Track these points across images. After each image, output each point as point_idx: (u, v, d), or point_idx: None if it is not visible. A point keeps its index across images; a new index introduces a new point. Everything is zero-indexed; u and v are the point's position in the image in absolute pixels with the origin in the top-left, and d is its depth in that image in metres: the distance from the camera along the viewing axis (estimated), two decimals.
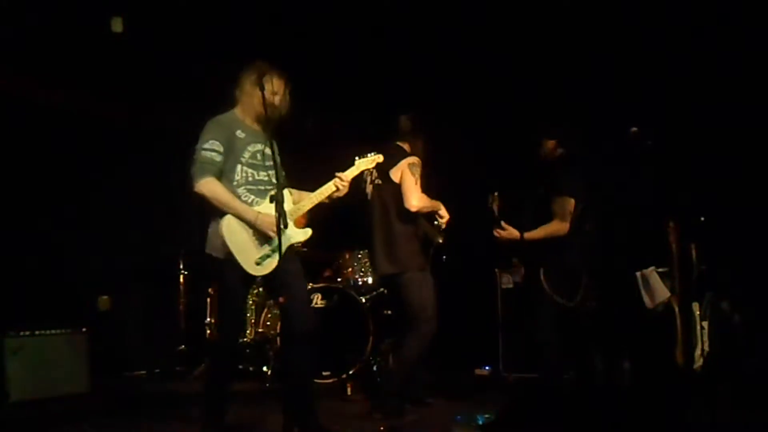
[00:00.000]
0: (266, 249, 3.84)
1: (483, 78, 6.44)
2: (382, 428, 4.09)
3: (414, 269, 4.64)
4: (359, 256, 6.43)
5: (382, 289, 6.41)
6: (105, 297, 6.57)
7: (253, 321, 6.46)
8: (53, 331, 5.38)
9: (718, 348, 5.33)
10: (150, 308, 6.90)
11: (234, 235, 3.76)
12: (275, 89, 3.94)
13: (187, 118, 4.35)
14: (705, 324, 5.38)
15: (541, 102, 6.12)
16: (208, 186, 3.74)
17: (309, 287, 6.08)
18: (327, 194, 4.06)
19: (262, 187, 3.91)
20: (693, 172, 5.39)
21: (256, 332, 6.38)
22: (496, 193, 4.69)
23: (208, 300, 6.75)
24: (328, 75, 6.55)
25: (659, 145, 4.72)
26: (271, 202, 3.61)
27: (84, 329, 5.55)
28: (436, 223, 4.76)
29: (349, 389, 5.45)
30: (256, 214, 3.79)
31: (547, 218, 4.65)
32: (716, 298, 5.47)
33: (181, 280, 6.73)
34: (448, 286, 6.58)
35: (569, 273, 4.63)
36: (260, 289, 6.58)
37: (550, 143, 4.81)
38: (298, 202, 4.08)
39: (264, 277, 3.89)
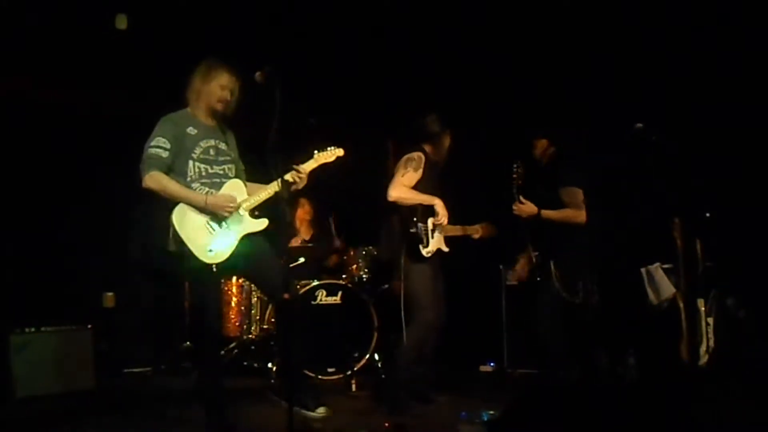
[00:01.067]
0: (219, 237, 3.86)
1: (484, 78, 6.42)
2: (387, 424, 4.09)
3: (410, 259, 4.69)
4: (364, 252, 6.43)
5: (386, 285, 6.42)
6: (110, 294, 6.57)
7: (257, 318, 6.47)
8: (58, 328, 5.39)
9: (724, 344, 5.32)
10: (155, 305, 6.90)
11: (184, 225, 3.79)
12: (225, 84, 3.98)
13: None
14: (710, 320, 5.37)
15: (544, 101, 6.10)
16: (154, 179, 3.79)
17: (313, 284, 6.10)
18: (283, 187, 4.04)
19: (217, 180, 3.96)
20: (698, 168, 5.37)
21: (261, 329, 6.40)
22: (519, 162, 4.70)
23: None
24: (331, 73, 6.55)
25: (664, 141, 4.72)
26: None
27: (89, 326, 5.56)
28: (415, 219, 4.74)
29: (354, 385, 5.45)
30: (204, 196, 3.83)
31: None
32: (721, 294, 5.46)
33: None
34: (453, 283, 6.58)
35: (576, 268, 4.66)
36: None
37: (542, 142, 4.86)
38: (253, 193, 4.08)
39: (225, 265, 3.89)
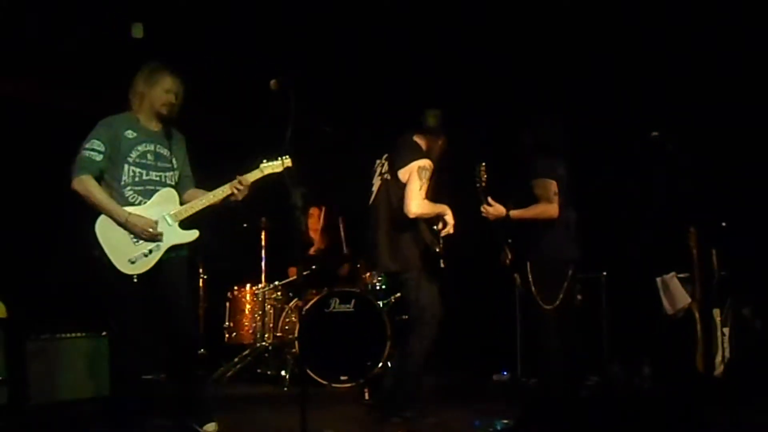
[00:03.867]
0: (143, 248, 3.83)
1: (484, 79, 6.42)
2: None
3: (415, 270, 4.59)
4: None
5: (399, 294, 6.41)
6: None
7: (271, 325, 6.49)
8: (74, 335, 5.42)
9: (739, 354, 5.28)
10: None
11: (108, 232, 3.78)
12: (169, 87, 3.94)
13: (205, 122, 4.37)
14: (726, 330, 5.33)
15: (561, 107, 6.10)
16: (82, 183, 3.78)
17: (326, 292, 6.10)
18: (222, 196, 4.01)
19: (151, 187, 3.92)
20: (714, 178, 5.34)
21: (275, 336, 6.41)
22: (483, 164, 4.57)
23: (227, 304, 6.78)
24: (345, 81, 6.57)
25: (679, 149, 4.69)
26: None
27: (104, 333, 5.58)
28: (435, 227, 4.66)
29: (366, 394, 5.44)
30: (126, 214, 3.78)
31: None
32: (737, 304, 5.42)
33: (201, 284, 6.75)
34: (467, 292, 6.58)
35: (552, 269, 4.54)
36: (279, 294, 6.62)
37: (526, 132, 4.76)
38: (193, 200, 4.02)
39: (144, 278, 3.83)
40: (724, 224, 5.25)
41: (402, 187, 4.55)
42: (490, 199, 4.56)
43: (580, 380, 4.68)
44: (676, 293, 5.39)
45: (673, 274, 5.45)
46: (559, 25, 5.70)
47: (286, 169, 3.92)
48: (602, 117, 5.88)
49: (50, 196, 6.16)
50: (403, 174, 4.57)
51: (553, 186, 4.51)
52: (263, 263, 6.65)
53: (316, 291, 6.24)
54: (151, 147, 3.94)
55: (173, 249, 3.92)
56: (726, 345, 5.25)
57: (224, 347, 6.65)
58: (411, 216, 4.49)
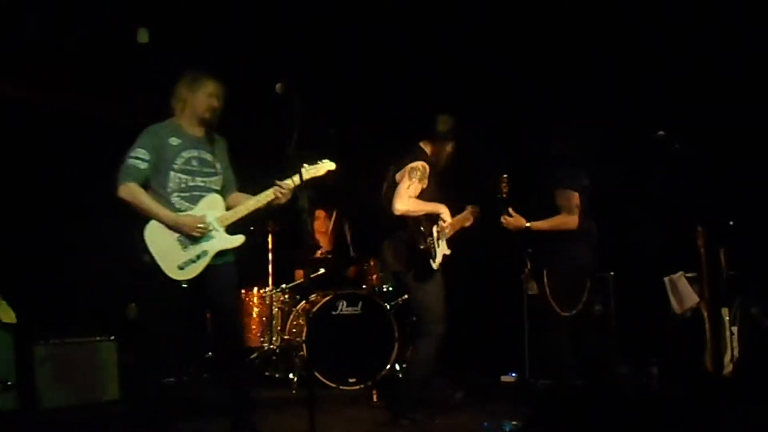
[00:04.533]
0: (191, 254, 3.85)
1: (497, 81, 6.42)
2: None
3: (420, 275, 4.61)
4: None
5: (406, 296, 6.42)
6: (133, 305, 6.61)
7: (279, 328, 6.49)
8: (82, 340, 5.44)
9: (748, 353, 5.25)
10: None
11: (156, 239, 3.80)
12: (211, 92, 3.99)
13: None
14: (734, 329, 5.31)
15: (567, 108, 6.09)
16: (129, 190, 3.81)
17: (333, 294, 6.10)
18: (265, 201, 4.03)
19: (197, 193, 3.95)
20: (721, 176, 5.33)
21: (282, 339, 6.41)
22: (505, 176, 4.64)
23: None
24: (350, 84, 6.58)
25: (687, 148, 4.68)
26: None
27: (112, 337, 5.60)
28: (422, 228, 4.64)
29: (375, 396, 5.44)
30: (175, 216, 3.81)
31: (552, 215, 4.64)
32: (746, 303, 5.40)
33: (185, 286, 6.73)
34: (475, 294, 6.57)
35: (571, 279, 4.59)
36: (286, 297, 6.62)
37: (552, 140, 4.80)
38: (237, 206, 4.05)
39: (193, 284, 3.86)
40: (732, 223, 5.23)
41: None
42: (510, 210, 4.61)
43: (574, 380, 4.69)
44: (684, 292, 5.38)
45: (681, 273, 5.44)
46: (560, 25, 5.70)
47: (297, 172, 3.92)
48: (609, 116, 5.87)
49: (55, 199, 6.22)
50: (399, 177, 4.64)
51: (575, 198, 4.57)
52: (270, 266, 6.65)
53: (323, 293, 6.24)
54: (195, 153, 3.97)
55: (220, 255, 3.95)
56: (734, 344, 5.23)
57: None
58: (396, 213, 4.53)
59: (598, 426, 3.58)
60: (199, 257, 3.86)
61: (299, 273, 6.85)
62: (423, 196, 4.61)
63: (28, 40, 5.69)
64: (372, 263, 6.52)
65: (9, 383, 5.00)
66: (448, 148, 4.78)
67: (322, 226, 7.17)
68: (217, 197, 4.02)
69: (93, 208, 6.46)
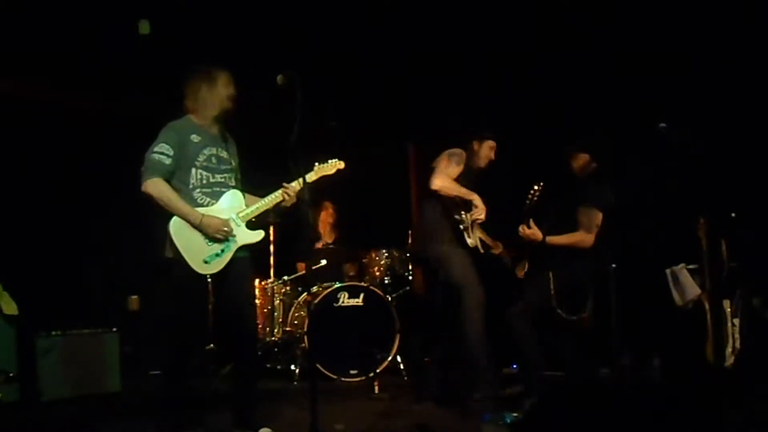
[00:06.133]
0: (216, 248, 3.87)
1: (503, 82, 6.41)
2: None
3: (443, 245, 4.77)
4: (385, 254, 6.44)
5: (407, 288, 6.42)
6: (135, 297, 6.63)
7: (280, 320, 6.50)
8: (84, 331, 5.46)
9: (750, 345, 5.25)
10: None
11: (182, 233, 3.80)
12: (226, 82, 4.02)
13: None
14: (736, 321, 5.30)
15: (570, 100, 6.07)
16: (154, 186, 3.79)
17: (336, 286, 6.11)
18: (276, 202, 4.07)
19: (218, 189, 3.97)
20: (723, 168, 5.31)
21: (284, 331, 6.42)
22: (541, 184, 4.63)
23: None
24: (352, 76, 6.56)
25: (688, 140, 4.67)
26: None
27: (114, 329, 5.61)
28: (457, 216, 4.80)
29: (376, 387, 5.45)
30: (200, 216, 3.82)
31: (568, 229, 4.68)
32: (747, 294, 5.39)
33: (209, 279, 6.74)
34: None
35: (579, 285, 4.67)
36: (287, 288, 6.63)
37: (583, 157, 4.80)
38: (250, 204, 4.09)
39: (214, 277, 3.91)
40: (733, 215, 5.23)
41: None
42: (531, 221, 4.64)
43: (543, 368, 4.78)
44: (685, 284, 5.36)
45: (682, 265, 5.42)
46: (563, 24, 5.69)
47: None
48: (610, 108, 5.85)
49: (58, 191, 6.22)
50: (435, 163, 4.85)
51: (599, 218, 4.62)
52: (272, 258, 6.65)
53: (324, 285, 6.25)
54: (214, 150, 4.00)
55: (240, 249, 3.97)
56: (736, 336, 5.23)
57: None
58: (433, 188, 4.69)
59: (600, 417, 3.58)
60: (223, 251, 3.89)
61: (301, 265, 6.86)
62: (460, 182, 4.74)
63: (51, 40, 5.68)
64: (374, 255, 6.52)
65: (11, 375, 5.02)
66: (491, 152, 4.96)
67: (329, 217, 7.18)
68: (238, 193, 4.04)
69: (96, 201, 6.49)
